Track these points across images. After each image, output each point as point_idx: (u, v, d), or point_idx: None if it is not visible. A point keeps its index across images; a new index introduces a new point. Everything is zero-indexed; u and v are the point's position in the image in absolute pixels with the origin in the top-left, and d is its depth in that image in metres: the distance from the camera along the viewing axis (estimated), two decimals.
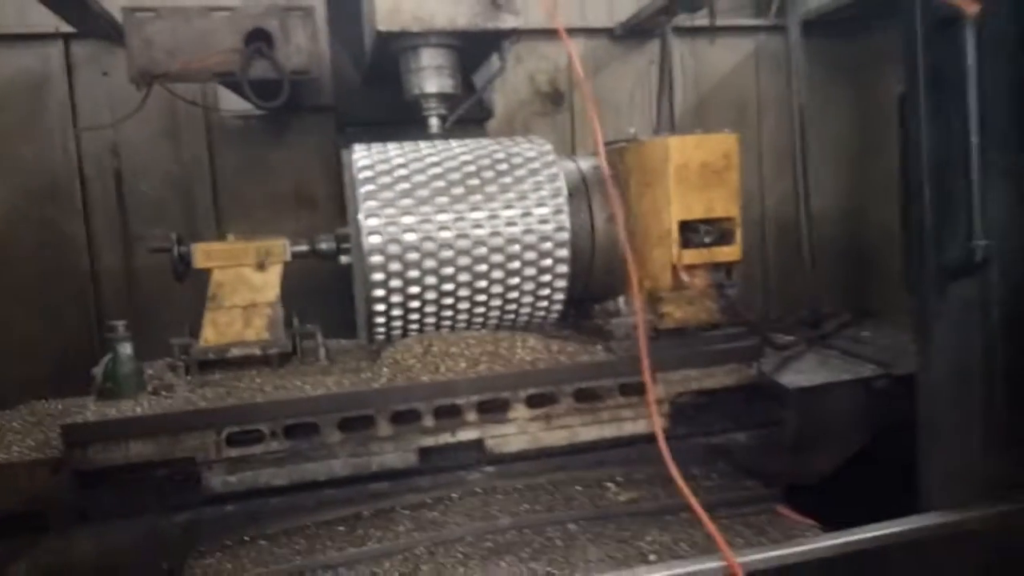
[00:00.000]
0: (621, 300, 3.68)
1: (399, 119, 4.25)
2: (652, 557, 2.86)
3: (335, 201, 5.27)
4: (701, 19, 5.40)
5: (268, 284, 3.73)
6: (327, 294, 4.65)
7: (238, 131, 5.19)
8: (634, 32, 5.63)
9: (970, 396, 2.50)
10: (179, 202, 5.11)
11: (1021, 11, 2.37)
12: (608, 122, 5.45)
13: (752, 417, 3.77)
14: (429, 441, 3.41)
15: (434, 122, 3.95)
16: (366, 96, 4.72)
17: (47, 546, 3.06)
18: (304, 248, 3.84)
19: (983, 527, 2.43)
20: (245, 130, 5.20)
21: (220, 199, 5.17)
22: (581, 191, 3.83)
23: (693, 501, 2.71)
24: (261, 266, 3.71)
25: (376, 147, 3.77)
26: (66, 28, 4.75)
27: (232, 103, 4.91)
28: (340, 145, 5.08)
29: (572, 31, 5.49)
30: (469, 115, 4.30)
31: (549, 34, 5.06)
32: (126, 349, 3.37)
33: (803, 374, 3.76)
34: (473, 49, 4.00)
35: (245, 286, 3.70)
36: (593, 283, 3.90)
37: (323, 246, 3.85)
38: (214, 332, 3.66)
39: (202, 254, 3.68)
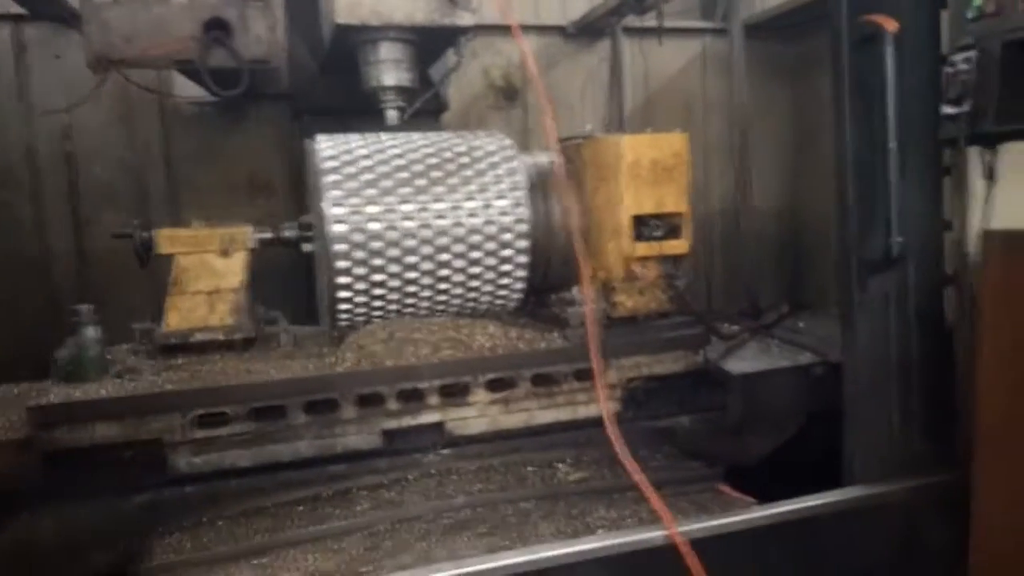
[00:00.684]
0: (576, 290, 3.87)
1: (355, 108, 4.34)
2: (600, 532, 3.04)
3: (291, 188, 5.34)
4: (650, 20, 5.62)
5: (232, 270, 3.80)
6: (287, 281, 4.74)
7: (193, 118, 5.19)
8: (586, 31, 5.81)
9: (887, 381, 2.76)
10: (132, 187, 5.10)
11: (935, 29, 2.63)
12: (561, 118, 5.64)
13: (698, 402, 4.00)
14: (393, 424, 3.54)
15: (392, 114, 4.07)
16: (323, 85, 4.80)
17: (13, 524, 3.10)
18: (268, 235, 3.91)
19: (897, 499, 2.69)
20: (200, 117, 5.20)
21: (174, 185, 5.17)
22: (539, 185, 4.00)
23: (637, 476, 2.91)
24: (225, 252, 3.78)
25: (340, 137, 3.87)
26: (16, 9, 4.70)
27: (187, 90, 4.92)
28: (296, 133, 5.18)
29: (526, 28, 5.64)
30: (425, 107, 4.42)
31: (504, 30, 5.18)
32: (91, 332, 3.42)
33: (746, 361, 4.01)
34: (430, 44, 4.13)
35: (209, 272, 3.76)
36: (551, 273, 4.09)
37: (287, 234, 3.94)
38: (177, 317, 3.72)
39: (165, 240, 3.73)
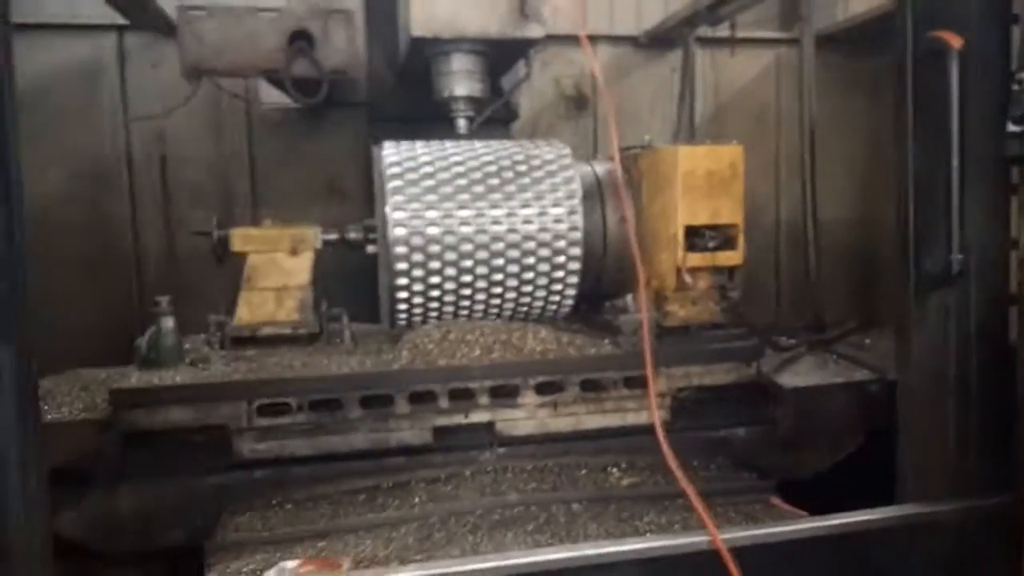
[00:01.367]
0: (629, 298, 3.90)
1: (427, 117, 4.49)
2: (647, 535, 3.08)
3: (364, 193, 5.54)
4: (723, 30, 5.60)
5: (300, 269, 4.00)
6: (353, 280, 4.93)
7: (276, 124, 5.47)
8: (658, 41, 5.83)
9: (945, 399, 2.70)
10: (219, 189, 5.41)
11: (1005, 45, 2.57)
12: (629, 128, 5.68)
13: (750, 414, 3.97)
14: (443, 421, 3.66)
15: (462, 123, 4.20)
16: (397, 94, 4.98)
17: (92, 499, 3.36)
18: (334, 236, 4.11)
19: (949, 519, 2.63)
20: (283, 123, 5.48)
21: (257, 187, 5.46)
22: (595, 193, 4.06)
23: (683, 481, 2.92)
24: (294, 252, 3.98)
25: (405, 144, 4.02)
26: (120, 20, 5.06)
27: (271, 97, 5.20)
28: (371, 141, 5.39)
29: (598, 38, 5.74)
30: (495, 116, 4.54)
31: (576, 40, 5.26)
32: (169, 322, 3.66)
33: (799, 375, 3.95)
34: (501, 55, 4.24)
35: (278, 270, 3.97)
36: (605, 280, 4.13)
37: (352, 235, 4.12)
38: (248, 311, 3.94)
39: (239, 239, 3.96)
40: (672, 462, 2.98)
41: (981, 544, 2.62)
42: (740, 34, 5.47)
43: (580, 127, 5.91)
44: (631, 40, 5.92)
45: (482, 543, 3.04)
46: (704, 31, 5.69)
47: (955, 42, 2.49)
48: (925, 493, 2.72)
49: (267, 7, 4.21)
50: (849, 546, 2.64)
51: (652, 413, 3.44)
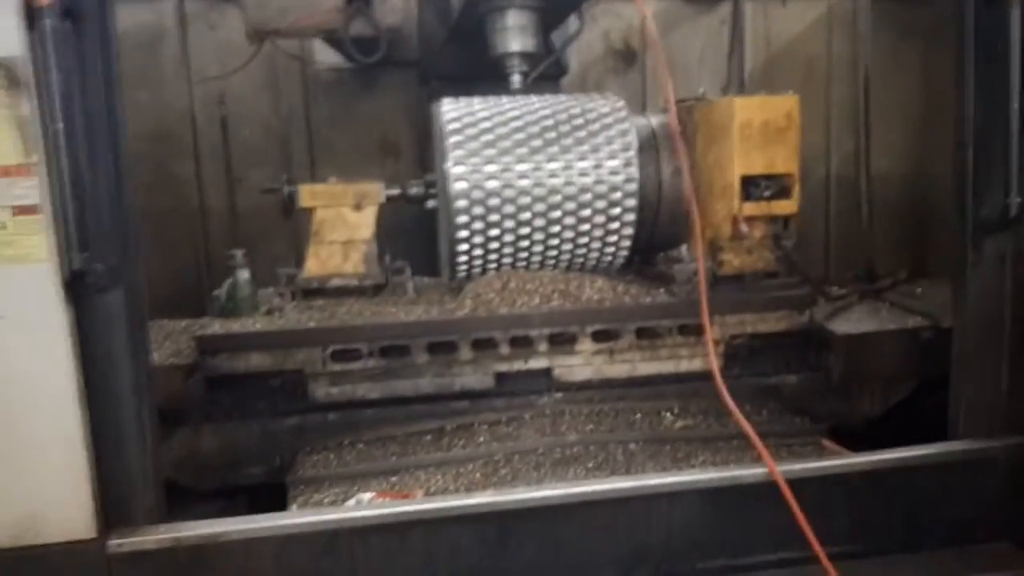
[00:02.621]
0: (684, 248, 3.99)
1: (479, 74, 4.58)
2: None
3: (417, 151, 5.68)
4: None
5: (364, 223, 4.16)
6: (411, 236, 5.09)
7: (331, 84, 5.59)
8: None
9: (998, 340, 2.77)
10: (276, 149, 5.58)
11: None
12: (678, 80, 5.62)
13: (803, 361, 4.06)
14: (504, 367, 3.83)
15: (516, 79, 4.28)
16: (448, 52, 5.05)
17: (181, 439, 3.61)
18: (396, 192, 4.25)
19: (999, 455, 2.72)
20: (337, 83, 5.59)
21: (313, 147, 5.62)
22: (650, 146, 4.13)
23: (739, 417, 3.04)
24: (358, 207, 4.14)
25: (463, 101, 4.12)
26: None
27: (327, 57, 5.33)
28: (424, 98, 5.49)
29: None
30: (547, 72, 4.60)
31: None
32: (244, 274, 3.87)
33: (851, 322, 4.02)
34: (554, 10, 4.30)
35: (344, 224, 4.14)
36: (658, 233, 4.22)
37: (413, 191, 4.26)
38: (317, 264, 4.12)
39: (307, 194, 4.13)
40: (728, 401, 3.10)
41: None
42: None
43: (629, 81, 5.92)
44: None
45: (546, 479, 3.23)
46: None
47: None
48: (977, 432, 2.80)
49: None
50: (902, 480, 2.76)
51: (710, 359, 3.55)
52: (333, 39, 4.46)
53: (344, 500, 3.16)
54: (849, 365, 3.85)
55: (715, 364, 3.35)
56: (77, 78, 2.12)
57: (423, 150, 5.62)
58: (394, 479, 3.34)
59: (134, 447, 2.34)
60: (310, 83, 5.57)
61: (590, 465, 3.35)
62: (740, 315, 3.95)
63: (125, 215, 2.27)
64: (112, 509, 2.34)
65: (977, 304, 2.78)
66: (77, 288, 2.20)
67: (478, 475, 3.32)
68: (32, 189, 2.08)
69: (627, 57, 5.93)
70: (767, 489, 2.63)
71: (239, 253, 3.87)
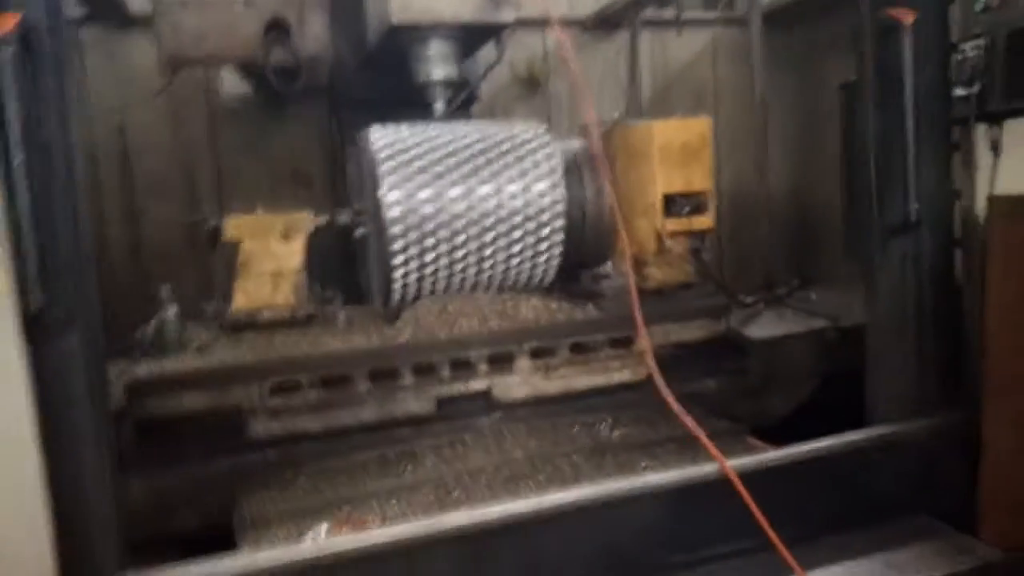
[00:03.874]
0: (609, 265, 4.19)
1: (391, 102, 4.62)
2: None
3: (328, 179, 5.63)
4: (665, 12, 5.95)
5: (292, 253, 4.11)
6: (328, 261, 5.00)
7: (237, 113, 5.47)
8: (603, 23, 6.12)
9: (905, 332, 3.10)
10: (182, 180, 5.38)
11: (944, 21, 2.97)
12: (581, 107, 5.97)
13: (721, 366, 4.34)
14: (445, 391, 3.87)
15: (439, 106, 4.36)
16: (360, 80, 5.07)
17: None
18: (324, 221, 4.22)
19: (912, 438, 3.04)
20: (243, 112, 5.48)
21: (221, 177, 5.46)
22: (573, 168, 4.31)
23: (686, 418, 3.23)
24: (286, 237, 4.09)
25: (390, 128, 4.16)
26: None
27: (232, 86, 5.23)
28: (335, 127, 5.47)
29: (543, 22, 5.95)
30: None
31: (526, 23, 5.47)
32: (172, 310, 3.72)
33: (764, 327, 4.34)
34: (472, 40, 4.43)
35: (272, 255, 4.07)
36: (583, 251, 4.39)
37: (343, 219, 4.24)
38: (244, 297, 4.03)
39: (232, 226, 4.03)
40: (674, 404, 3.28)
41: (943, 457, 3.04)
42: (673, 16, 5.82)
43: (534, 108, 6.13)
44: (578, 23, 6.17)
45: (500, 496, 3.28)
46: (648, 13, 6.01)
47: (908, 18, 2.86)
48: (890, 415, 3.11)
49: None
50: (830, 466, 3.01)
51: (651, 367, 3.65)
52: (249, 68, 4.38)
53: (298, 536, 3.09)
54: (767, 367, 4.15)
55: (656, 370, 3.53)
56: (36, 108, 2.03)
57: (335, 179, 5.58)
58: (346, 509, 3.30)
59: (96, 495, 2.22)
60: (216, 112, 5.43)
61: (540, 479, 3.45)
62: (664, 325, 4.18)
63: (83, 251, 2.18)
64: (73, 560, 2.21)
65: (887, 301, 3.10)
66: (35, 329, 2.08)
67: (431, 498, 3.34)
68: None
69: (531, 84, 6.15)
70: (718, 485, 2.81)
71: (165, 288, 3.73)
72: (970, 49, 2.86)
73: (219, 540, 3.30)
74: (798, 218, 6.63)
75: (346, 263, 4.77)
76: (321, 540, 2.83)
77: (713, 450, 2.90)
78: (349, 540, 2.51)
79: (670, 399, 3.33)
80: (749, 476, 2.82)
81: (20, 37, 2.00)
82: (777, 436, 4.00)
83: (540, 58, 6.06)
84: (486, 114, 5.69)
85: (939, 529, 2.94)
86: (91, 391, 2.21)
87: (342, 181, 5.36)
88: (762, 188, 5.61)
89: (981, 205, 3.00)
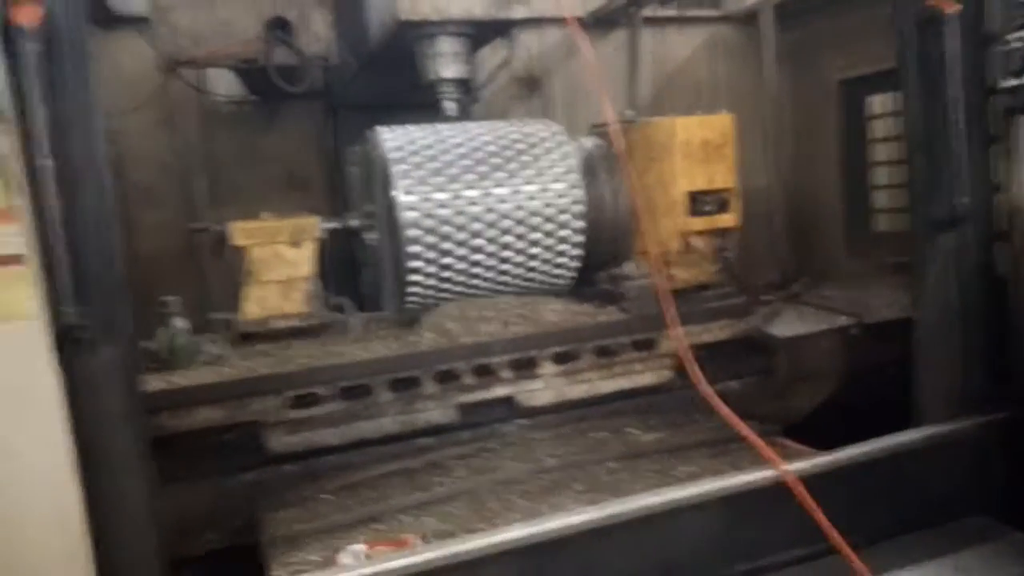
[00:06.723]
0: (632, 265, 4.08)
1: (390, 103, 4.48)
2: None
3: (326, 183, 5.46)
4: (664, 10, 5.88)
5: (302, 260, 3.93)
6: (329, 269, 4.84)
7: (230, 117, 5.28)
8: (602, 21, 6.03)
9: (953, 329, 3.04)
10: (175, 187, 5.17)
11: (980, 12, 2.90)
12: (581, 104, 5.88)
13: (745, 366, 4.24)
14: (468, 398, 3.72)
15: (450, 105, 4.23)
16: (360, 81, 4.93)
17: None
18: (335, 225, 4.06)
19: (965, 436, 2.97)
20: (237, 116, 5.30)
21: (216, 184, 5.25)
22: (589, 167, 4.21)
23: (737, 424, 3.12)
24: (296, 243, 3.91)
25: (399, 129, 4.02)
26: None
27: (225, 89, 5.04)
28: (332, 129, 5.32)
29: (550, 20, 5.85)
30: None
31: (525, 23, 5.35)
32: (180, 323, 3.53)
33: (787, 326, 4.26)
34: (482, 37, 4.30)
35: (281, 262, 3.89)
36: (599, 252, 4.29)
37: (353, 223, 4.08)
38: (254, 306, 3.85)
39: (239, 232, 3.85)
40: (721, 407, 3.18)
41: (996, 455, 2.98)
42: (672, 13, 5.75)
43: (532, 108, 6.02)
44: (579, 21, 6.06)
45: (540, 507, 3.15)
46: (647, 11, 5.94)
47: (950, 8, 2.80)
48: (941, 415, 3.04)
49: None
50: (887, 466, 2.93)
51: (691, 368, 3.53)
52: (248, 69, 4.20)
53: (333, 555, 2.92)
54: (792, 366, 4.07)
55: (697, 372, 3.43)
56: (62, 109, 1.85)
57: (333, 182, 5.42)
58: (381, 526, 3.14)
59: (137, 524, 2.05)
60: (208, 117, 5.23)
61: (578, 488, 3.31)
62: (687, 327, 4.07)
63: (115, 261, 2.01)
64: None
65: (934, 297, 3.03)
66: (68, 346, 1.91)
67: (467, 511, 3.19)
68: (15, 236, 1.79)
69: (530, 84, 6.03)
70: (775, 490, 2.71)
71: (173, 300, 3.54)
72: (1015, 40, 2.79)
73: (241, 553, 3.15)
74: (794, 214, 6.59)
75: (345, 268, 4.62)
76: (362, 560, 2.66)
77: (772, 456, 2.80)
78: (400, 560, 2.35)
79: (716, 400, 3.22)
80: (806, 480, 2.72)
81: (45, 32, 1.82)
82: (797, 435, 3.97)
83: (538, 58, 5.95)
84: (484, 114, 5.57)
85: (999, 530, 2.87)
86: (128, 412, 2.04)
87: (340, 184, 5.20)
88: (772, 184, 5.54)
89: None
